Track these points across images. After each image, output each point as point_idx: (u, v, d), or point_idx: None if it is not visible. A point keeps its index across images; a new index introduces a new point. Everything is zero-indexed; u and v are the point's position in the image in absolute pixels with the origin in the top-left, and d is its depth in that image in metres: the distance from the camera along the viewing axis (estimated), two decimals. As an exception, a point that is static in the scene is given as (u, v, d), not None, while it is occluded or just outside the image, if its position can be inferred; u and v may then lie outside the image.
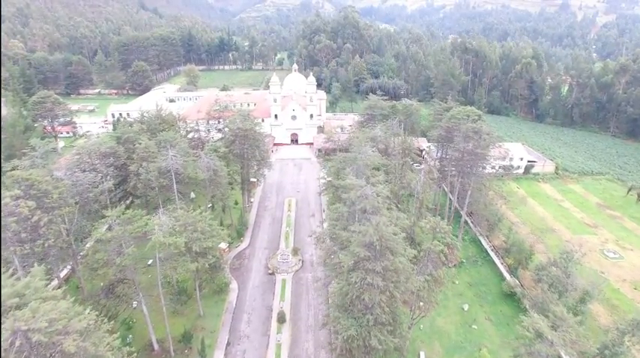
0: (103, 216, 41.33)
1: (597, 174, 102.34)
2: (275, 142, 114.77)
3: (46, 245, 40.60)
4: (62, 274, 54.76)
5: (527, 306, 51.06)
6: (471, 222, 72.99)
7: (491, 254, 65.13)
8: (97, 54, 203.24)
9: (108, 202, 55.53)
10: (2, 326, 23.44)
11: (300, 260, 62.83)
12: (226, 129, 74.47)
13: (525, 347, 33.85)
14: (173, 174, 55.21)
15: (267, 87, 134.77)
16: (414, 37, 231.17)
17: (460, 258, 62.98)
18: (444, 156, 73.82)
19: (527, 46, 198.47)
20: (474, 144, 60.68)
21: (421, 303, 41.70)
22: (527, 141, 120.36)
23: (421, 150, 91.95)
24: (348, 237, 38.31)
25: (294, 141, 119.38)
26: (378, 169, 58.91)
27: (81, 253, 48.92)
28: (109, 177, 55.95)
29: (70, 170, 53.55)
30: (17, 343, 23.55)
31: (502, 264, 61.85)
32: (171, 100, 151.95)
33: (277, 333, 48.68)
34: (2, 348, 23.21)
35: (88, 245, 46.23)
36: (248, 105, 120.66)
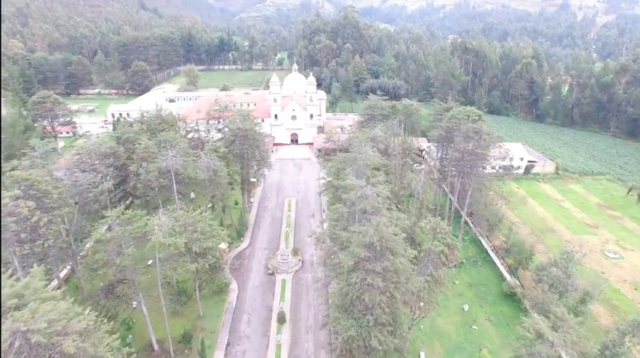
0: (103, 217, 41.31)
1: (597, 174, 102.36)
2: (275, 142, 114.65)
3: (45, 245, 40.52)
4: (62, 274, 54.73)
5: (527, 307, 51.04)
6: (471, 222, 72.93)
7: (492, 254, 65.08)
8: (96, 54, 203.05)
9: (108, 202, 55.35)
10: (2, 327, 23.36)
11: (300, 260, 62.77)
12: (226, 129, 74.38)
13: (526, 348, 33.83)
14: (173, 174, 55.10)
15: (267, 87, 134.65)
16: (414, 37, 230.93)
17: (460, 259, 62.90)
18: (444, 156, 73.81)
19: (527, 46, 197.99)
20: (474, 144, 60.65)
21: (421, 304, 41.65)
22: (528, 141, 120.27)
23: (421, 151, 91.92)
24: (348, 238, 38.24)
25: (294, 141, 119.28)
26: (378, 169, 58.75)
27: (81, 253, 48.78)
28: (108, 178, 55.71)
29: (70, 170, 53.42)
30: (16, 344, 23.47)
31: (502, 264, 61.79)
32: (171, 100, 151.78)
33: (277, 334, 48.65)
34: (2, 349, 23.12)
35: (87, 245, 46.05)
36: (248, 105, 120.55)
